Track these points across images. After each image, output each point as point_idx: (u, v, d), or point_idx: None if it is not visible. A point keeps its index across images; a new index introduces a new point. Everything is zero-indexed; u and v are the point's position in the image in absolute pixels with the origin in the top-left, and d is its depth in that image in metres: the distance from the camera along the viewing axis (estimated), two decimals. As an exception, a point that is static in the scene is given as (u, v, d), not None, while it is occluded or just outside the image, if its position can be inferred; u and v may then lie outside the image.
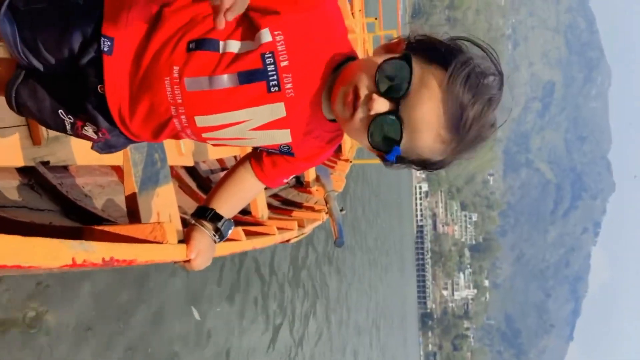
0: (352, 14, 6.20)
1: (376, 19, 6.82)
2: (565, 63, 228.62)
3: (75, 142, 1.65)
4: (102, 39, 0.89)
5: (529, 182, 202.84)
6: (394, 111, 0.81)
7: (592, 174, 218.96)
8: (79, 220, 1.44)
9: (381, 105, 0.81)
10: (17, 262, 0.55)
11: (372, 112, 0.82)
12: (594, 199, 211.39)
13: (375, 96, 0.81)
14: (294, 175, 1.12)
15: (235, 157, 3.44)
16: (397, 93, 0.81)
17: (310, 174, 3.94)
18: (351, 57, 0.93)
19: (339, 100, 0.87)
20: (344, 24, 0.93)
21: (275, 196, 3.66)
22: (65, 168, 1.69)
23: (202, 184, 2.83)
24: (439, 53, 0.81)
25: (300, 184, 4.11)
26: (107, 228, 0.96)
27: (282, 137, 0.95)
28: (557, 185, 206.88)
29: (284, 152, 1.00)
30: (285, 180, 1.10)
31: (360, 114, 0.84)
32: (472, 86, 0.79)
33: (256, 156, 1.07)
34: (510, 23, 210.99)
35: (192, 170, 2.82)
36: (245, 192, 1.11)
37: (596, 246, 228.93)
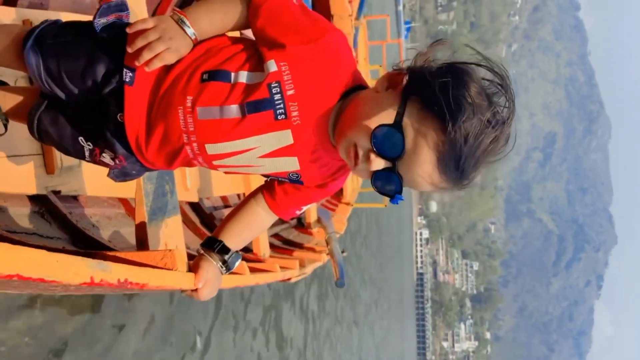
0: (357, 61, 6.40)
1: (380, 66, 7.02)
2: (565, 115, 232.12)
3: (86, 172, 1.70)
4: (125, 70, 0.95)
5: (531, 232, 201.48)
6: (392, 168, 0.85)
7: (594, 226, 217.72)
8: (87, 249, 1.45)
9: (379, 164, 0.85)
10: (41, 276, 0.58)
11: (371, 170, 0.86)
12: (597, 251, 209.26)
13: (372, 156, 0.85)
14: (305, 208, 1.14)
15: (238, 195, 3.48)
16: (392, 154, 0.84)
17: (311, 215, 3.96)
18: (358, 85, 0.95)
19: (342, 151, 0.91)
20: (350, 53, 0.95)
21: (276, 236, 3.68)
22: (75, 198, 1.72)
23: (205, 220, 2.86)
24: (437, 103, 0.79)
25: (301, 225, 4.12)
26: (118, 254, 0.98)
27: (290, 164, 0.98)
28: (559, 237, 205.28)
29: (293, 180, 1.03)
30: (298, 212, 1.12)
31: (361, 166, 0.88)
32: (470, 149, 0.80)
33: (268, 186, 1.10)
34: (510, 74, 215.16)
35: (196, 207, 2.85)
36: (255, 225, 1.13)
37: (599, 300, 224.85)
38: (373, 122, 0.84)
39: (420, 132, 0.82)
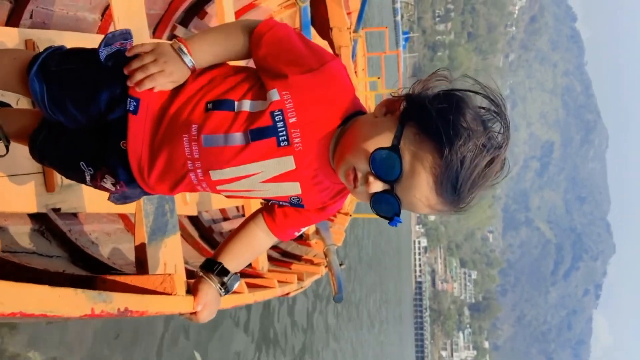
0: (356, 72, 6.42)
1: (379, 78, 7.05)
2: (562, 124, 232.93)
3: (86, 190, 1.70)
4: (129, 99, 0.96)
5: (529, 241, 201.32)
6: (390, 190, 0.87)
7: (592, 235, 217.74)
8: (86, 268, 1.46)
9: (377, 187, 0.87)
10: (44, 311, 0.58)
11: (370, 192, 0.88)
12: (595, 260, 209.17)
13: (371, 179, 0.87)
14: (303, 230, 1.14)
15: (237, 207, 3.48)
16: (390, 176, 0.86)
17: (310, 227, 3.95)
18: (357, 111, 0.97)
19: (341, 174, 0.92)
20: (349, 80, 0.98)
21: (274, 248, 3.67)
22: (74, 215, 1.73)
23: (204, 233, 2.86)
24: (434, 127, 0.82)
25: (299, 236, 4.11)
26: (118, 278, 0.98)
27: (292, 189, 0.99)
28: (557, 245, 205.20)
29: (294, 204, 1.04)
30: (296, 233, 1.13)
31: (360, 189, 0.89)
32: (466, 172, 0.82)
33: (268, 209, 1.11)
34: (508, 84, 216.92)
35: (195, 220, 2.85)
36: (254, 247, 1.14)
37: (597, 309, 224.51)
38: (371, 146, 0.87)
39: (417, 156, 0.84)
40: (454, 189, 0.83)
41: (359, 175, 0.88)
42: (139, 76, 0.91)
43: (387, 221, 0.94)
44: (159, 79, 0.92)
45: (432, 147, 0.82)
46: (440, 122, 0.81)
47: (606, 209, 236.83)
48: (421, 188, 0.84)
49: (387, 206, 0.90)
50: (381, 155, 0.85)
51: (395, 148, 0.85)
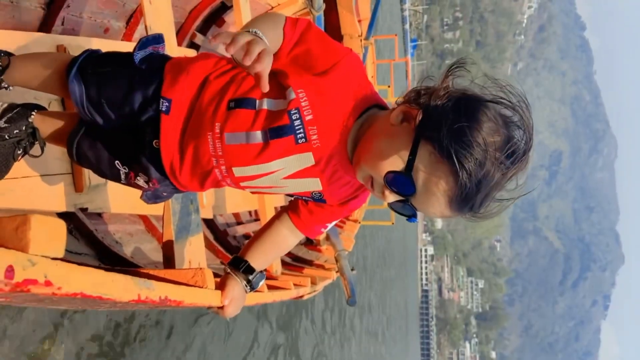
0: (366, 80, 6.46)
1: (388, 86, 7.07)
2: (571, 133, 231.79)
3: (111, 190, 1.76)
4: (162, 99, 1.01)
5: (537, 251, 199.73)
6: (405, 200, 0.90)
7: (600, 245, 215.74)
8: (113, 266, 1.51)
9: (392, 198, 0.90)
10: (100, 294, 0.63)
11: (386, 202, 0.92)
12: (603, 270, 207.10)
13: (387, 192, 0.90)
14: (330, 225, 1.16)
15: (250, 212, 3.53)
16: (404, 193, 0.88)
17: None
18: (373, 104, 0.99)
19: (358, 177, 0.96)
20: (364, 73, 0.99)
21: (286, 252, 3.70)
22: (99, 215, 1.78)
23: (218, 236, 2.91)
24: (448, 150, 0.81)
25: (310, 242, 4.15)
26: (151, 271, 1.03)
27: (313, 185, 1.02)
28: (565, 255, 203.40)
29: (316, 199, 1.07)
30: (323, 230, 1.16)
31: (377, 195, 0.93)
32: (482, 194, 0.83)
33: (292, 207, 1.14)
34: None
35: (210, 223, 2.91)
36: (280, 246, 1.17)
37: (606, 320, 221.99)
38: (385, 165, 0.88)
39: (431, 180, 0.84)
40: (470, 208, 0.86)
41: (376, 186, 0.92)
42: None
43: (406, 218, 0.96)
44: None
45: (447, 169, 0.82)
46: (455, 144, 0.80)
47: (615, 219, 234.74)
48: (435, 206, 0.86)
49: (404, 210, 0.93)
50: (395, 177, 0.87)
51: (408, 171, 0.85)
